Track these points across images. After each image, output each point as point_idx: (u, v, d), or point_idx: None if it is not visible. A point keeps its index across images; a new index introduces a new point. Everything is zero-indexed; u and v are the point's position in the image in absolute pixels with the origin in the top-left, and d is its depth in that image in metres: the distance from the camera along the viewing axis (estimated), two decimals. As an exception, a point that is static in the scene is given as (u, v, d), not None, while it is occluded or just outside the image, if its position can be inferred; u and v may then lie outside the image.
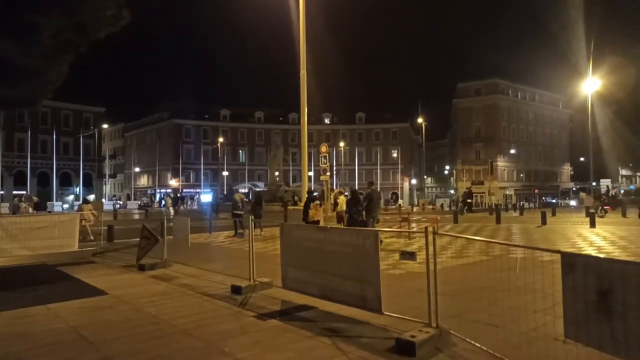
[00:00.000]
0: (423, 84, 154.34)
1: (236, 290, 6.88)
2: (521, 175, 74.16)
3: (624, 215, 25.09)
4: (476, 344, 4.16)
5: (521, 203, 50.27)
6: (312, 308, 5.89)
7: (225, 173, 70.14)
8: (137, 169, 78.37)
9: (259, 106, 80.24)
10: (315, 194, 13.38)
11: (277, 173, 43.68)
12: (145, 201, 59.91)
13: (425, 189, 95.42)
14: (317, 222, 12.34)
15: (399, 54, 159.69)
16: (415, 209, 45.51)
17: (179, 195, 60.80)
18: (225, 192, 60.38)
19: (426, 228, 4.73)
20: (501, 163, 70.54)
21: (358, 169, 76.37)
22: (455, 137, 77.68)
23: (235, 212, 16.59)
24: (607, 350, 2.89)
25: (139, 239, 9.79)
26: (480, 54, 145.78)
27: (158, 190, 70.71)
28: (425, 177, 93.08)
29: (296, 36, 13.25)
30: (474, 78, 72.90)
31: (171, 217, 18.95)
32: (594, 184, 45.22)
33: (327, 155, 19.64)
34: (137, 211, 44.85)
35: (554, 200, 57.12)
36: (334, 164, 68.83)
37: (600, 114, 47.86)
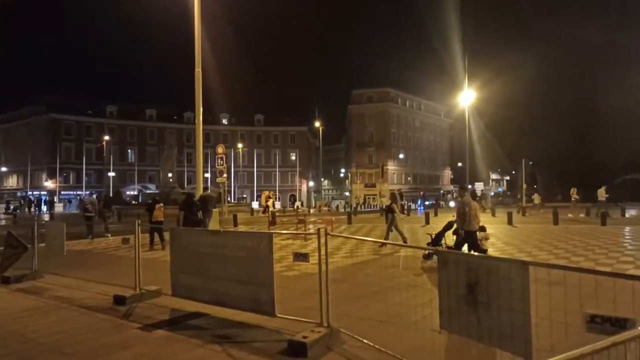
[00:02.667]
0: (321, 89, 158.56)
1: (119, 300, 6.38)
2: (409, 178, 79.73)
3: (493, 215, 28.23)
4: (364, 340, 4.35)
5: (408, 204, 53.89)
6: (204, 315, 5.68)
7: (111, 174, 64.89)
8: (4, 169, 69.10)
9: (152, 103, 75.66)
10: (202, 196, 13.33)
11: (170, 174, 41.53)
12: (15, 205, 52.99)
13: (322, 191, 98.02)
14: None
15: (299, 58, 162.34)
16: (312, 211, 46.45)
17: (29, 197, 54.73)
18: (111, 194, 55.82)
19: (319, 230, 4.84)
20: (391, 167, 75.09)
21: (257, 171, 75.87)
22: (350, 142, 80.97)
23: (87, 214, 16.56)
24: (474, 338, 3.20)
25: (2, 248, 8.62)
26: (374, 64, 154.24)
27: (30, 193, 62.96)
28: (322, 179, 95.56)
29: (193, 32, 12.75)
30: (367, 86, 76.81)
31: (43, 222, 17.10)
32: (469, 186, 50.30)
33: (224, 156, 19.19)
34: (3, 216, 39.49)
35: (433, 202, 62.06)
36: (232, 166, 67.54)
37: (475, 124, 53.53)
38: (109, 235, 16.80)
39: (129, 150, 73.34)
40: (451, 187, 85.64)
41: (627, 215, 24.91)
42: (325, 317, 4.65)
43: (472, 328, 3.18)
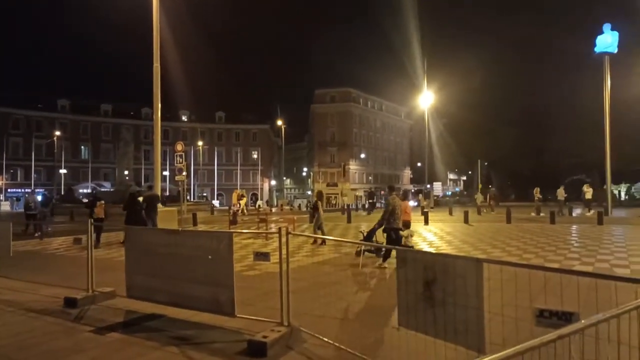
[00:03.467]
0: (284, 87, 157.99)
1: (70, 303, 6.11)
2: (370, 177, 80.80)
3: (450, 213, 29.07)
4: (324, 338, 4.38)
5: (369, 203, 54.60)
6: (161, 317, 5.54)
7: (63, 171, 62.09)
8: (-55, 165, 64.75)
9: (107, 99, 72.90)
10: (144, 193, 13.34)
11: (126, 172, 40.24)
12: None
13: (285, 190, 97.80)
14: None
15: (262, 56, 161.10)
16: (274, 210, 46.24)
17: None
18: (62, 192, 53.42)
19: (279, 229, 4.82)
20: (353, 166, 75.87)
21: (217, 169, 74.73)
22: (313, 141, 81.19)
23: (28, 212, 16.43)
24: (431, 334, 3.29)
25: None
26: (336, 64, 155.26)
27: (-27, 190, 59.30)
28: (284, 178, 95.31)
29: (152, 26, 12.38)
30: (330, 85, 77.15)
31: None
32: (428, 186, 51.62)
33: (183, 154, 18.76)
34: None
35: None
36: (192, 164, 66.20)
37: (435, 125, 54.94)
38: (40, 235, 15.19)
39: (82, 147, 70.46)
40: (411, 187, 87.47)
41: (574, 214, 26.25)
42: (285, 316, 4.65)
43: (429, 324, 3.26)
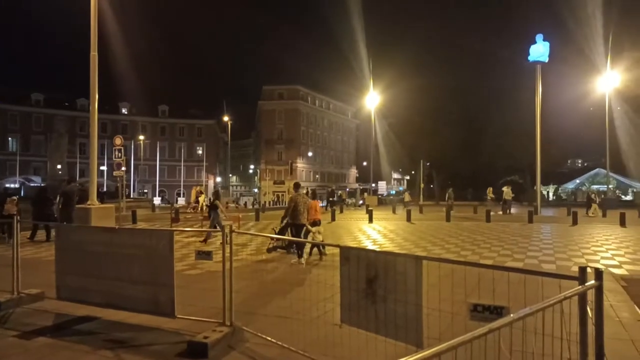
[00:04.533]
0: (231, 82, 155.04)
1: (-8, 306, 5.66)
2: (317, 176, 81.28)
3: (394, 212, 29.87)
4: (267, 337, 4.34)
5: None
6: (95, 319, 5.26)
7: (-13, 164, 57.44)
8: None
9: (39, 87, 68.18)
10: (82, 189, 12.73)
11: (59, 166, 37.87)
12: None
13: (231, 187, 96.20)
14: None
15: (209, 50, 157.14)
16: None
17: None
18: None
19: (223, 227, 4.73)
20: (300, 164, 75.97)
21: (160, 165, 72.11)
22: (260, 138, 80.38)
23: None
24: (372, 331, 3.35)
25: None
26: (285, 61, 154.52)
27: None
28: (230, 175, 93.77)
29: (89, 11, 11.67)
30: (278, 82, 76.68)
31: None
32: (373, 185, 52.71)
33: (122, 148, 17.91)
34: None
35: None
36: (132, 159, 63.49)
37: (380, 125, 56.09)
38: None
39: (10, 139, 65.50)
40: (356, 185, 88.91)
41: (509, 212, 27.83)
42: (228, 316, 4.57)
43: (370, 321, 3.32)
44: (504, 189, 28.35)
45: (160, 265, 4.73)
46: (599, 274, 2.45)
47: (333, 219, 22.32)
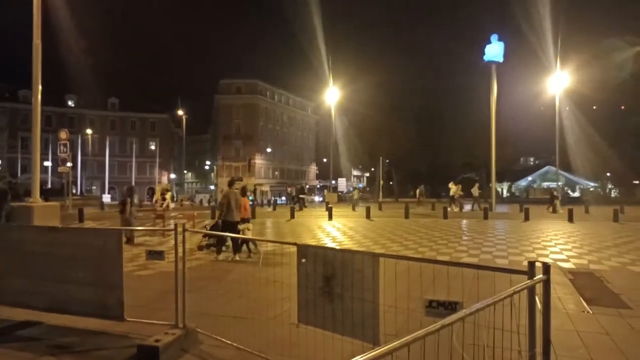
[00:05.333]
0: (186, 75, 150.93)
1: None
2: (276, 172, 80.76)
3: (353, 209, 30.14)
4: (222, 339, 4.23)
5: (274, 199, 54.67)
6: (37, 324, 4.95)
7: None
8: None
9: (-26, 77, 63.47)
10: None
11: (-1, 161, 35.57)
12: None
13: (186, 184, 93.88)
14: None
15: (164, 42, 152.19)
16: (173, 205, 44.13)
17: None
18: None
19: (175, 225, 4.56)
20: (259, 161, 75.17)
21: (109, 161, 69.04)
22: (217, 133, 78.82)
23: None
24: (329, 329, 3.32)
25: None
26: (243, 55, 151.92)
27: None
28: (185, 171, 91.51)
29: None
30: (235, 76, 75.28)
31: None
32: (333, 182, 53.01)
33: (68, 142, 17.02)
34: None
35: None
36: (79, 154, 60.63)
37: (340, 122, 56.41)
38: None
39: (-57, 132, 60.98)
40: (316, 182, 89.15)
41: (464, 209, 28.73)
42: (181, 318, 4.42)
43: (327, 319, 3.28)
44: (450, 185, 29.41)
45: (108, 265, 4.50)
46: (546, 268, 2.52)
47: (292, 216, 22.23)
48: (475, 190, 29.32)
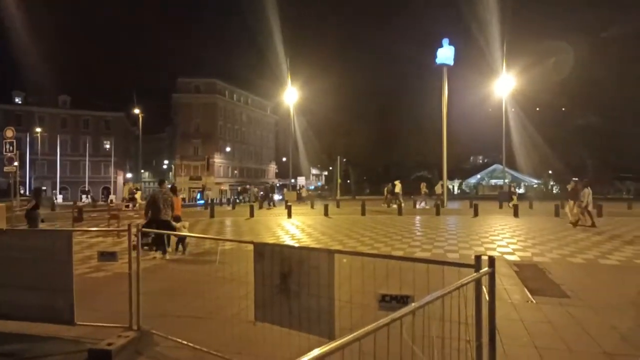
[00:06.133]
0: (143, 73, 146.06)
1: None
2: (235, 171, 79.77)
3: (312, 207, 30.27)
4: (178, 339, 4.17)
5: (236, 198, 54.05)
6: (-20, 332, 4.69)
7: None
8: None
9: None
10: None
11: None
12: None
13: (143, 184, 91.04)
14: None
15: (120, 38, 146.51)
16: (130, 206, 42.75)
17: None
18: None
19: (129, 225, 4.46)
20: (218, 160, 74.03)
21: (61, 160, 65.99)
22: (175, 132, 76.96)
23: None
24: (287, 326, 3.36)
25: None
26: (201, 53, 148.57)
27: None
28: (142, 171, 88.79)
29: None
30: (194, 75, 73.85)
31: None
32: (292, 180, 52.98)
33: (14, 141, 16.18)
34: None
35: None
36: (28, 153, 57.64)
37: (299, 121, 56.46)
38: None
39: None
40: (276, 181, 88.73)
41: (417, 207, 29.47)
42: (135, 320, 4.33)
43: (284, 316, 3.32)
44: (395, 183, 30.33)
45: (58, 268, 4.35)
46: (491, 261, 2.67)
47: (252, 215, 22.09)
48: (438, 189, 30.40)
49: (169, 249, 9.75)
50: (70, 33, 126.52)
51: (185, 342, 4.08)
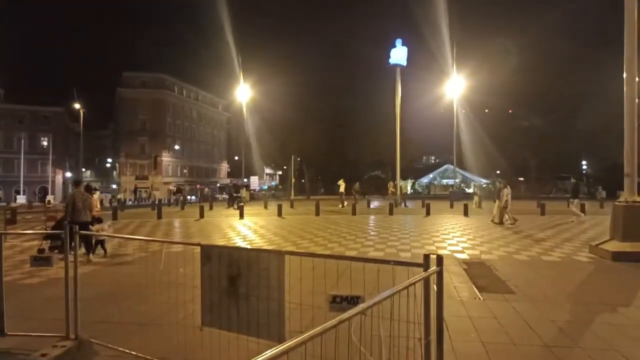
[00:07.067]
0: (86, 67, 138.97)
1: None
2: (185, 170, 77.64)
3: (265, 207, 29.98)
4: (120, 348, 3.95)
5: (187, 197, 52.59)
6: None
7: None
8: None
9: None
10: None
11: None
12: None
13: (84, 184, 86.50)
14: None
15: (59, 29, 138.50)
16: (98, 207, 40.55)
17: None
18: None
19: (65, 227, 4.17)
20: (166, 158, 71.75)
21: (-7, 158, 61.47)
22: (120, 129, 73.78)
23: None
24: (235, 330, 3.24)
25: None
26: (148, 47, 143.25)
27: None
28: (83, 169, 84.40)
29: None
30: (140, 69, 71.10)
31: None
32: (245, 180, 52.25)
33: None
34: None
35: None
36: (-46, 150, 53.29)
37: (252, 119, 55.73)
38: None
39: None
40: (227, 180, 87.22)
41: (371, 206, 29.97)
42: (72, 328, 4.05)
43: (233, 320, 3.21)
44: (339, 182, 30.91)
45: (-17, 276, 3.99)
46: (439, 260, 2.69)
47: (202, 215, 21.54)
48: (404, 187, 31.32)
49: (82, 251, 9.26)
50: (7, 22, 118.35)
51: (126, 351, 3.86)
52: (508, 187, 16.40)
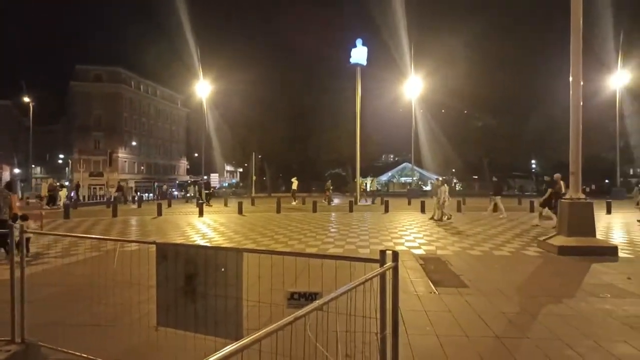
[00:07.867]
0: (35, 59, 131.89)
1: None
2: (142, 167, 75.40)
3: (225, 205, 29.57)
4: (71, 351, 3.80)
5: (139, 195, 50.96)
6: None
7: None
8: None
9: None
10: None
11: None
12: None
13: (34, 180, 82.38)
14: None
15: (5, 17, 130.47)
16: (18, 204, 38.45)
17: None
18: None
19: (10, 226, 3.97)
20: (122, 154, 69.41)
21: None
22: (72, 124, 70.64)
23: None
24: (192, 330, 3.19)
25: None
26: (102, 39, 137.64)
27: None
28: (33, 166, 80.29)
29: None
30: (95, 62, 68.38)
31: None
32: (205, 177, 51.28)
33: None
34: None
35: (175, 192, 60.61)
36: None
37: (212, 115, 54.77)
38: None
39: None
40: (187, 177, 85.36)
41: (332, 203, 30.14)
42: (19, 332, 3.86)
43: (189, 320, 3.16)
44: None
45: None
46: (395, 256, 2.76)
47: (160, 213, 20.99)
48: (294, 184, 31.63)
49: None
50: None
51: (77, 354, 3.73)
52: (445, 184, 17.19)
